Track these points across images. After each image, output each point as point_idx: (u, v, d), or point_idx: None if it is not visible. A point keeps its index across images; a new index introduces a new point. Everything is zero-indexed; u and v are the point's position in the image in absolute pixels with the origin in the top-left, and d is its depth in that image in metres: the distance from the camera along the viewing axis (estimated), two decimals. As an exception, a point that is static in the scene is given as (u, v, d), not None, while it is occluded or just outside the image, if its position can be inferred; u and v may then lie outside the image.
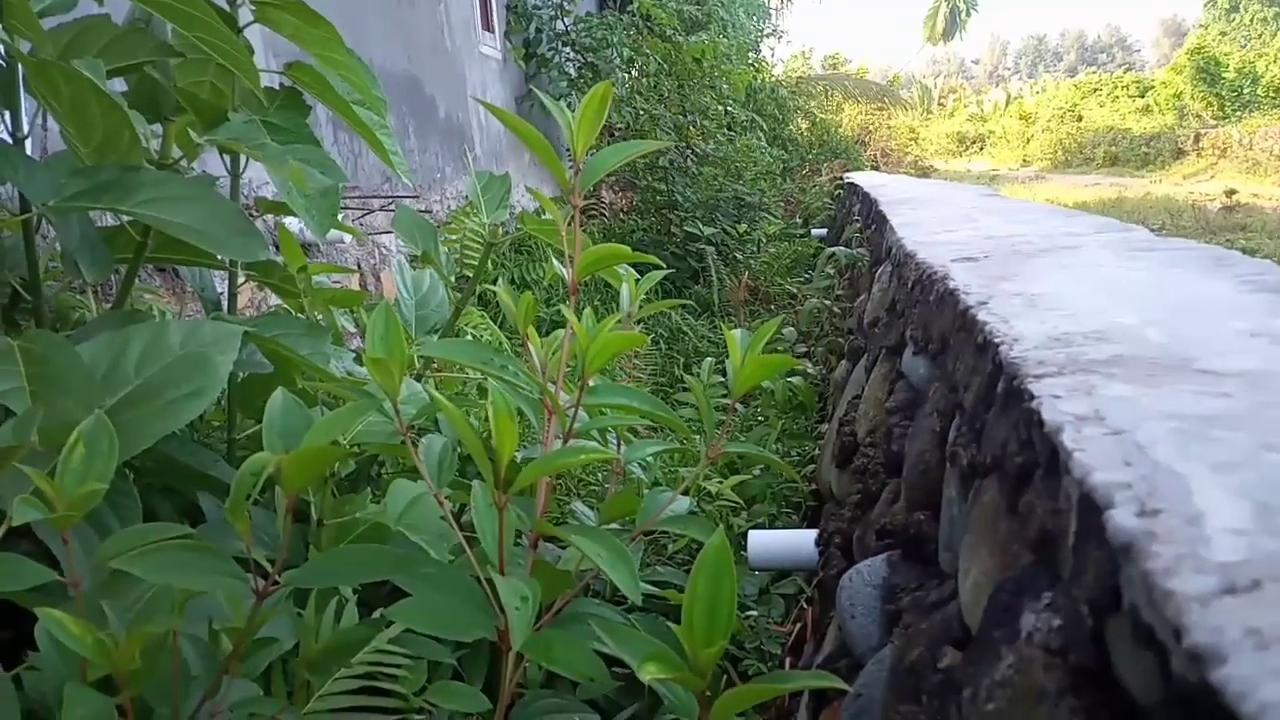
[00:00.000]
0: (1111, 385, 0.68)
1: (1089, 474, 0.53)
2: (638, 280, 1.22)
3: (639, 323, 1.34)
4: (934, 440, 1.14)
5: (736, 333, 1.05)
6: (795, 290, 5.22)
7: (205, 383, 1.39)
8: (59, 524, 0.91)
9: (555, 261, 1.11)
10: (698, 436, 1.50)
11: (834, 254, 3.41)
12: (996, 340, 0.87)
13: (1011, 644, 0.60)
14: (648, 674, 0.74)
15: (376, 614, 1.38)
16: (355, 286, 4.54)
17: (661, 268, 1.15)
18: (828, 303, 3.39)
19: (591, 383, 1.04)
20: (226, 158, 1.66)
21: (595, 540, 0.92)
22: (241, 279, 1.95)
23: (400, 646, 1.33)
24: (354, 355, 2.12)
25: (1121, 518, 0.47)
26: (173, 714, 0.96)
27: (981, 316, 1.00)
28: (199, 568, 0.86)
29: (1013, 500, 0.74)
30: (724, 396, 2.93)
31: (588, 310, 1.04)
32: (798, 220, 7.23)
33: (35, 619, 1.11)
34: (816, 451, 2.57)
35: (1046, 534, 0.63)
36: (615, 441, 1.42)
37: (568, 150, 1.05)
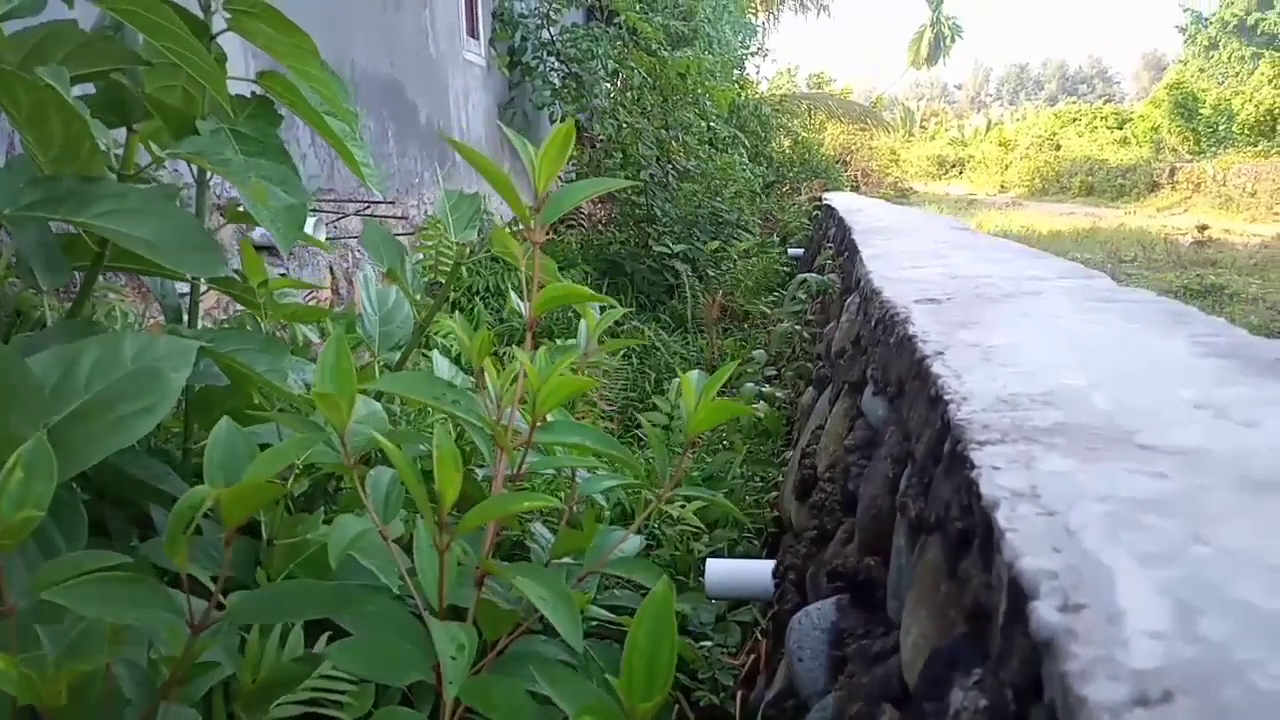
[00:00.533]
0: (1051, 458, 0.68)
1: (1018, 558, 0.53)
2: (600, 314, 1.22)
3: (613, 337, 1.33)
4: (886, 486, 1.15)
5: (692, 375, 1.05)
6: (766, 310, 5.24)
7: (158, 399, 1.37)
8: (-7, 551, 0.89)
9: (513, 295, 1.10)
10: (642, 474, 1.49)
11: (805, 280, 3.43)
12: (947, 398, 0.87)
13: (941, 718, 0.60)
14: (582, 730, 0.73)
15: (320, 644, 1.37)
16: (325, 294, 4.51)
17: (616, 308, 1.15)
18: (798, 327, 3.40)
19: (548, 418, 1.03)
20: (193, 165, 1.64)
21: (540, 582, 0.91)
22: (205, 289, 1.93)
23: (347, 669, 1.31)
24: (315, 367, 2.10)
25: (1045, 611, 0.47)
26: (104, 744, 0.94)
27: (936, 368, 1.00)
28: (133, 600, 0.85)
29: (953, 564, 0.74)
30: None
31: (542, 351, 1.04)
32: (775, 239, 7.26)
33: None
34: (780, 478, 2.57)
35: (980, 607, 0.63)
36: (571, 473, 1.41)
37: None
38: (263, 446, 1.09)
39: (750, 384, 3.10)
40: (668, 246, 6.21)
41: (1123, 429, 0.75)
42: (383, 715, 1.45)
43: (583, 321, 1.19)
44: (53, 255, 1.55)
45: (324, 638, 1.46)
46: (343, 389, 0.97)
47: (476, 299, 5.40)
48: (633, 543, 1.07)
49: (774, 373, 3.39)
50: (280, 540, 1.51)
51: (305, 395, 1.82)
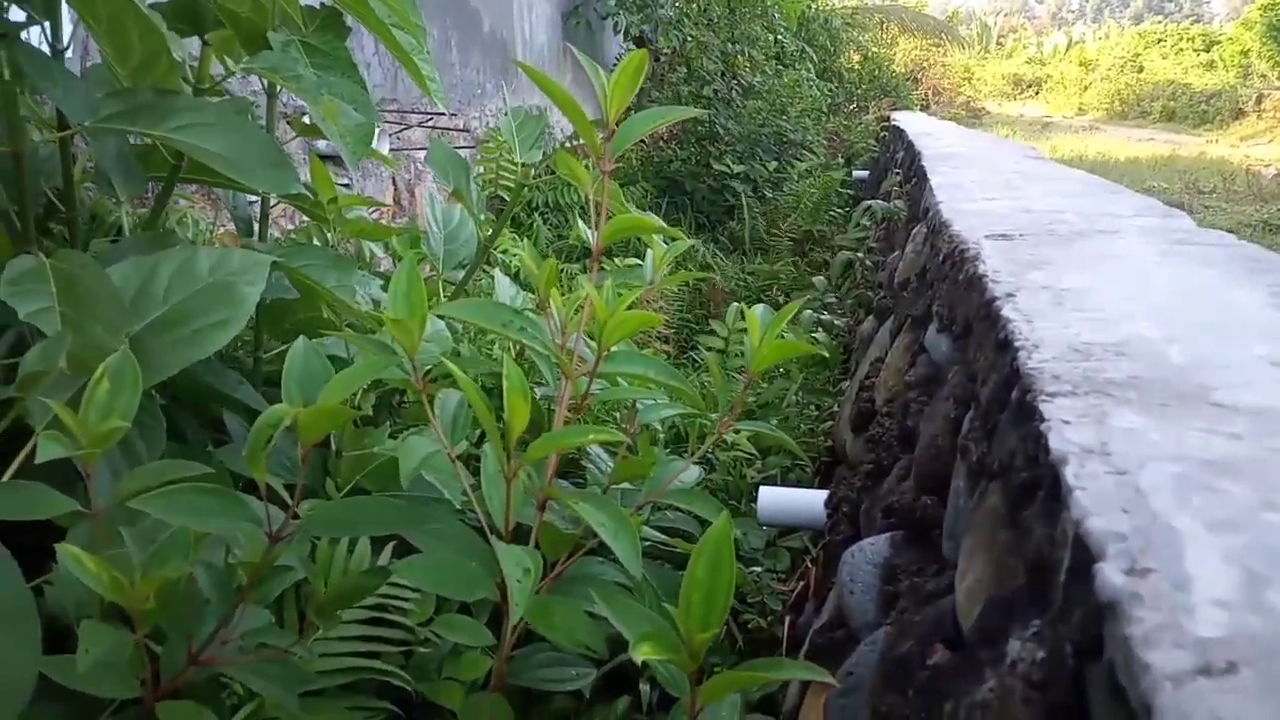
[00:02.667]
0: (1123, 413, 0.68)
1: (1086, 517, 0.53)
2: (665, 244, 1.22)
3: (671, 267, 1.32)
4: (948, 427, 1.14)
5: (757, 310, 1.05)
6: (823, 231, 5.16)
7: (232, 313, 1.41)
8: (84, 459, 0.94)
9: (580, 223, 1.10)
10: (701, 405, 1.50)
11: (870, 207, 3.36)
12: (1017, 344, 0.87)
13: (996, 667, 0.61)
14: (641, 654, 0.76)
15: (384, 555, 1.42)
16: (389, 209, 4.53)
17: (683, 240, 1.14)
18: (860, 255, 3.35)
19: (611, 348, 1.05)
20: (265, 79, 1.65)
21: (601, 509, 0.94)
22: (275, 201, 1.96)
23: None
24: (381, 282, 2.14)
25: (1111, 573, 0.48)
26: (185, 643, 1.00)
27: (1006, 311, 0.99)
28: (216, 510, 0.89)
29: (1014, 513, 0.74)
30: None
31: (608, 284, 1.04)
32: (840, 160, 7.11)
33: (56, 530, 1.15)
34: (835, 407, 2.57)
35: (1041, 559, 0.63)
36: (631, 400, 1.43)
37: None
38: (332, 359, 1.12)
39: (809, 311, 3.08)
40: (728, 166, 6.11)
41: (1197, 385, 0.73)
42: (444, 621, 1.51)
43: (649, 252, 1.19)
44: (130, 166, 1.58)
45: (388, 549, 1.51)
46: (414, 314, 0.98)
47: (535, 215, 5.40)
48: (692, 473, 1.09)
49: (834, 300, 3.36)
50: (348, 452, 1.56)
51: (372, 311, 1.86)
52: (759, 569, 1.90)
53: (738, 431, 2.38)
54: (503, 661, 0.97)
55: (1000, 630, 0.64)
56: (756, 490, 1.94)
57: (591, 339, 1.07)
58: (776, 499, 1.86)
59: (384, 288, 2.12)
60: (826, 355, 2.78)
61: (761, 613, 1.76)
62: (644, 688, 1.64)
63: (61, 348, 1.12)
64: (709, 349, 2.88)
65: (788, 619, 1.69)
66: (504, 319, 1.02)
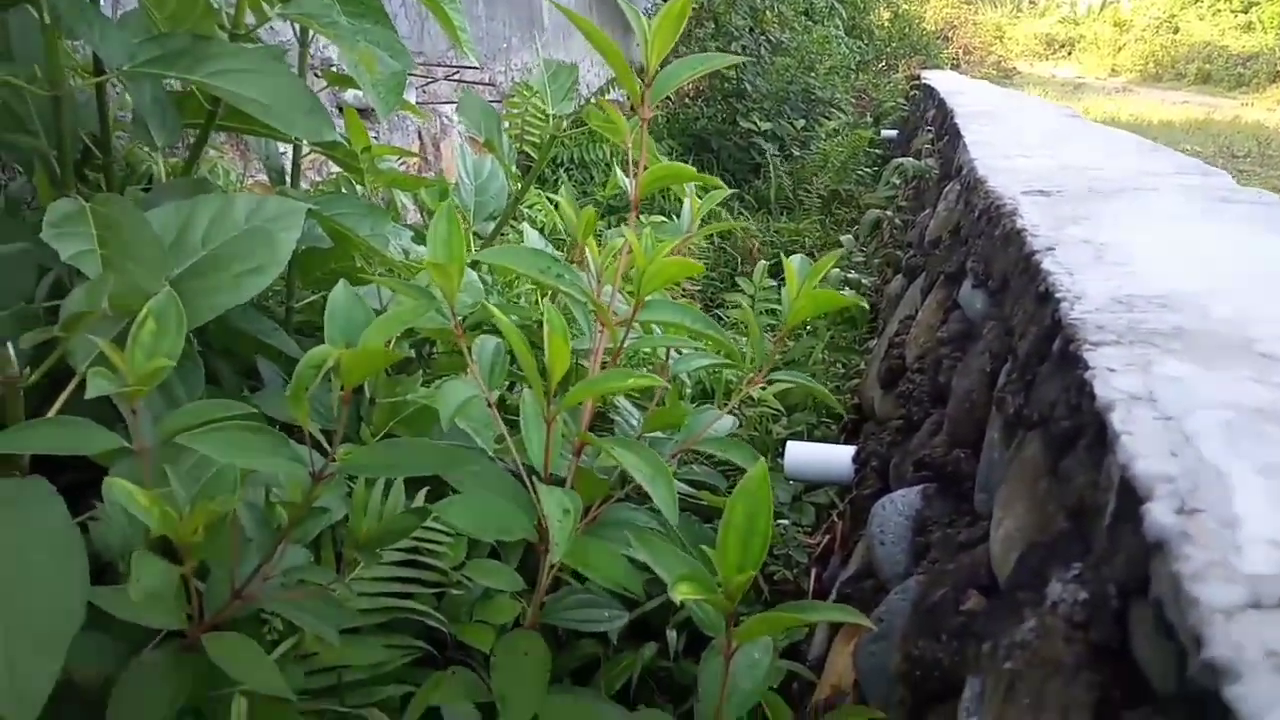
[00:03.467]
0: (1168, 362, 0.68)
1: (1133, 460, 0.54)
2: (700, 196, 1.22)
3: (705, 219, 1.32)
4: (983, 381, 1.14)
5: (795, 260, 1.05)
6: (850, 191, 5.11)
7: (269, 259, 1.42)
8: (130, 396, 0.95)
9: (618, 172, 1.10)
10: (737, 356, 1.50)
11: (901, 165, 3.33)
12: (1059, 295, 0.86)
13: (1036, 608, 0.62)
14: (680, 594, 0.77)
15: (418, 499, 1.44)
16: (413, 160, 4.52)
17: (722, 188, 1.14)
18: (889, 213, 3.32)
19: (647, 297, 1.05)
20: (296, 25, 1.65)
21: (637, 455, 0.95)
22: (306, 150, 1.96)
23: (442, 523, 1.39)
24: (412, 233, 2.15)
25: (1159, 513, 0.48)
26: (229, 577, 1.02)
27: (1046, 264, 0.99)
28: (260, 449, 0.90)
29: (1054, 461, 0.75)
30: (776, 303, 2.92)
31: (647, 231, 1.04)
32: (868, 118, 7.02)
33: (96, 469, 1.17)
34: (862, 366, 2.57)
35: (1084, 504, 0.64)
36: (666, 352, 1.43)
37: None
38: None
39: (836, 270, 3.06)
40: (755, 124, 6.05)
41: (1242, 336, 0.73)
42: (476, 566, 1.54)
43: (685, 202, 1.19)
44: (167, 112, 1.58)
45: (421, 494, 1.54)
46: (453, 260, 0.99)
47: (560, 171, 5.38)
48: (725, 422, 1.10)
49: (861, 259, 3.34)
50: (382, 399, 1.57)
51: (405, 261, 1.86)
52: (785, 522, 1.91)
53: (765, 387, 2.39)
54: (538, 602, 0.99)
55: (1039, 574, 0.64)
56: (783, 446, 1.95)
57: (626, 289, 1.08)
58: (804, 454, 1.87)
59: (415, 239, 2.13)
60: (865, 307, 2.76)
61: (787, 565, 1.77)
62: (671, 634, 1.67)
63: (105, 289, 1.13)
64: (734, 307, 2.87)
65: (813, 571, 1.71)
66: (542, 265, 1.02)
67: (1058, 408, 0.75)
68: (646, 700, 1.67)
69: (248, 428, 0.91)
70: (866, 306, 2.57)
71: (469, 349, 1.01)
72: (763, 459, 0.85)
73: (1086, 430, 0.68)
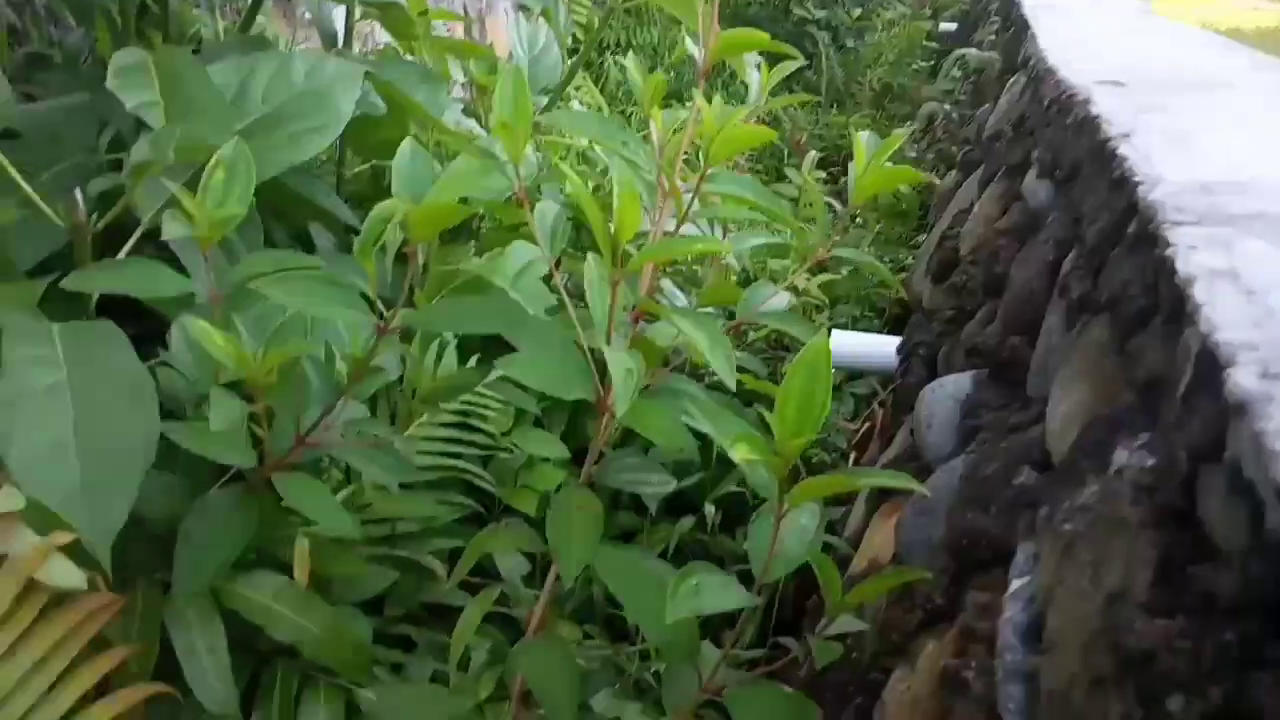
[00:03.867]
0: (1251, 242, 0.67)
1: (1215, 330, 0.54)
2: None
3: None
4: (1044, 269, 1.14)
5: (863, 135, 1.03)
6: (904, 85, 4.97)
7: (328, 120, 1.43)
8: (201, 242, 0.97)
9: (688, 40, 1.08)
10: (800, 231, 1.50)
11: (963, 56, 3.23)
12: (1136, 179, 0.85)
13: (1099, 475, 0.63)
14: (739, 454, 0.79)
15: (473, 361, 1.47)
16: (461, 34, 4.44)
17: (797, 58, 1.12)
18: (947, 107, 3.24)
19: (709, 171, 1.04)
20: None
21: (697, 325, 0.96)
22: (358, 15, 1.93)
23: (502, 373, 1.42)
24: (461, 106, 2.13)
25: (1242, 377, 0.49)
26: (295, 424, 1.05)
27: (1122, 150, 0.97)
28: (329, 298, 0.92)
29: (1122, 341, 0.75)
30: (825, 194, 2.88)
31: (717, 98, 1.03)
32: (927, 11, 6.77)
33: (155, 321, 1.20)
34: (910, 260, 2.55)
35: (1155, 379, 0.64)
36: (719, 229, 1.43)
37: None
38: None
39: (889, 164, 3.01)
40: (808, 10, 5.86)
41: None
42: (523, 433, 1.58)
43: (754, 72, 1.17)
44: (225, -34, 1.56)
45: (472, 360, 1.56)
46: (520, 120, 0.98)
47: (606, 54, 5.27)
48: (782, 298, 1.10)
49: (914, 155, 3.28)
50: (436, 266, 1.59)
51: (458, 130, 1.85)
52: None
53: (811, 278, 2.38)
54: (592, 459, 1.02)
55: (1103, 445, 0.65)
56: (827, 334, 1.95)
57: (692, 161, 1.07)
58: (848, 341, 1.88)
59: (465, 112, 2.11)
60: (904, 204, 2.72)
61: (825, 449, 1.80)
62: (709, 508, 1.71)
63: (172, 138, 1.14)
64: (786, 198, 2.84)
65: (852, 456, 1.73)
66: (607, 130, 1.02)
67: (1131, 287, 0.75)
68: (683, 569, 1.73)
69: (319, 277, 0.93)
70: (936, 181, 2.52)
71: (530, 211, 1.01)
72: (825, 330, 0.85)
73: (1161, 308, 0.68)
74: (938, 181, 2.52)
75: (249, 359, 0.86)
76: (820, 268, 2.58)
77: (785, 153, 4.01)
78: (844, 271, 2.54)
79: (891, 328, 2.29)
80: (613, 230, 0.88)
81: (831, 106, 5.10)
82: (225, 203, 1.01)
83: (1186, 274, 0.62)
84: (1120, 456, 0.60)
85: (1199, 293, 0.59)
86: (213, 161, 1.02)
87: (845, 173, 1.10)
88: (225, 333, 0.91)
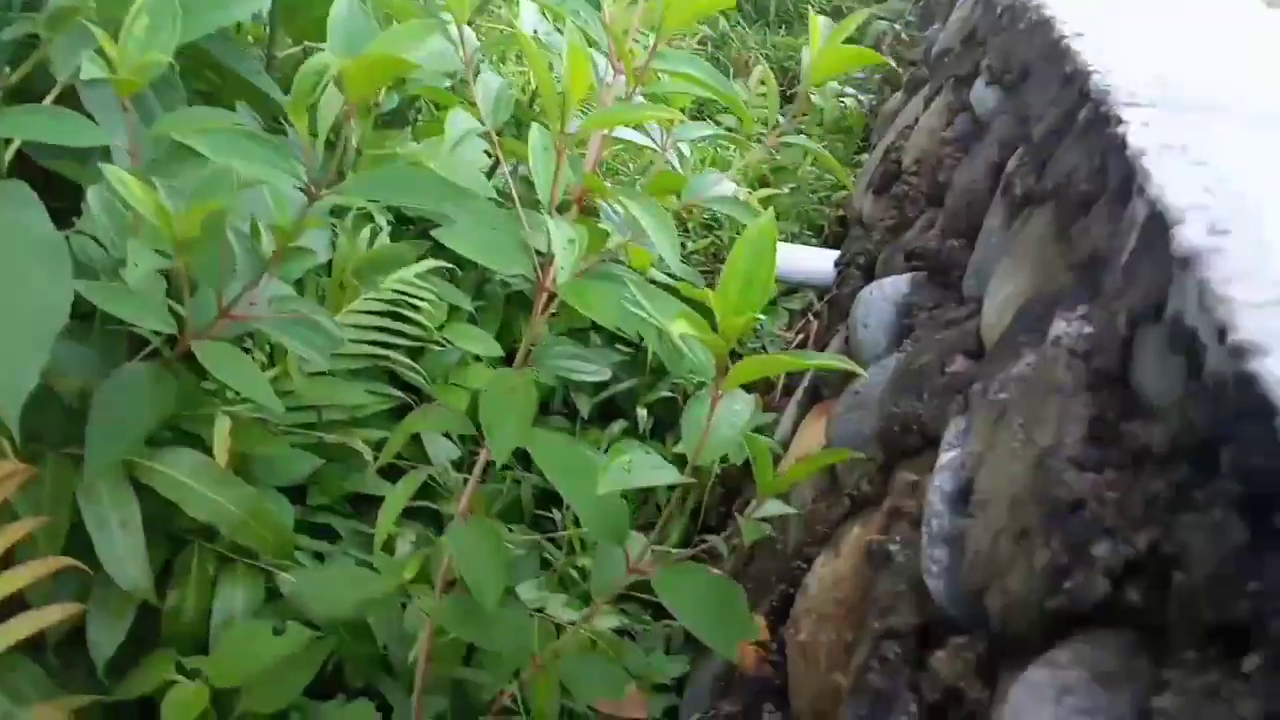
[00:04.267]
0: (1203, 122, 0.67)
1: (1163, 194, 0.54)
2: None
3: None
4: (988, 171, 1.14)
5: (821, 19, 1.01)
6: (853, 5, 4.92)
7: (259, -21, 1.35)
8: (122, 88, 0.91)
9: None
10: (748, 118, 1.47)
11: (915, -23, 3.20)
12: (1089, 69, 0.84)
13: (1036, 346, 0.64)
14: (678, 329, 0.77)
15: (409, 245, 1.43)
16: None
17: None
18: (897, 27, 3.22)
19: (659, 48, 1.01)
20: None
21: (642, 205, 0.94)
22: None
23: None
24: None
25: (1189, 233, 0.48)
26: (218, 295, 1.01)
27: (1075, 46, 0.96)
28: (261, 157, 0.87)
29: (1064, 228, 0.75)
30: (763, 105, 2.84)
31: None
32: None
33: (70, 202, 1.14)
34: (853, 178, 2.54)
35: (1096, 256, 0.64)
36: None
37: None
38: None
39: (833, 83, 2.98)
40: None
41: (1269, 113, 0.73)
42: (455, 328, 1.55)
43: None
44: None
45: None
46: (465, -24, 0.94)
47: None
48: (727, 185, 1.08)
49: (861, 75, 3.26)
50: (369, 151, 1.53)
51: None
52: (761, 318, 1.94)
53: (751, 191, 2.37)
54: (528, 343, 1.00)
55: (1041, 319, 0.66)
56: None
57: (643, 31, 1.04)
58: (786, 255, 1.87)
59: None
60: (849, 120, 2.71)
61: (760, 359, 1.80)
62: (641, 412, 1.71)
63: (89, -12, 1.07)
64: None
65: (806, 351, 1.74)
66: (556, -1, 0.97)
67: (1077, 174, 0.75)
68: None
69: (248, 134, 0.88)
70: (893, 63, 2.50)
71: (474, 78, 0.97)
72: (770, 211, 0.84)
73: (1107, 190, 0.67)
74: (893, 63, 2.50)
75: (168, 212, 0.82)
76: (762, 183, 2.56)
77: (730, 73, 3.95)
78: (785, 189, 2.53)
79: (832, 245, 2.30)
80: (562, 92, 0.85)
81: (780, 27, 5.03)
82: (148, 49, 0.95)
83: (1137, 147, 0.62)
84: (1058, 327, 0.60)
85: (1148, 163, 0.58)
86: (136, 6, 0.96)
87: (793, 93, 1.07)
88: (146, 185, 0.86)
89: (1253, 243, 0.47)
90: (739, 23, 5.05)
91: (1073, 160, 0.77)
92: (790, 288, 2.14)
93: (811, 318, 1.85)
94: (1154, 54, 0.92)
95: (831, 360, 0.81)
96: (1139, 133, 0.64)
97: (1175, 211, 0.51)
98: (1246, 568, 0.36)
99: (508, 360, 1.51)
